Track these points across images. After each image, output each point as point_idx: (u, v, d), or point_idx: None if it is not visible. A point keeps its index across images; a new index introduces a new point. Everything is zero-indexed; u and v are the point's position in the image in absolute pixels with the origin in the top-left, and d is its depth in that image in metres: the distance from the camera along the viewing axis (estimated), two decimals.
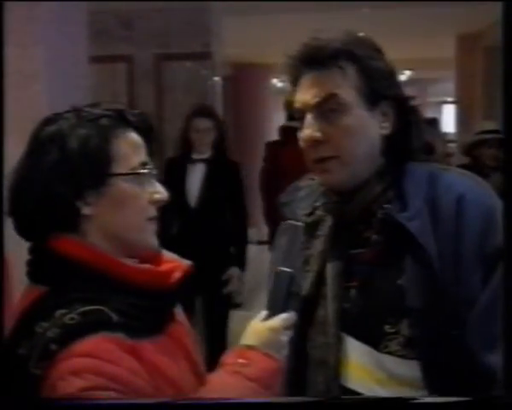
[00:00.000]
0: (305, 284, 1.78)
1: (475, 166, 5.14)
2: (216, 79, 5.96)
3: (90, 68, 3.56)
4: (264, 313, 1.68)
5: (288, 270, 1.70)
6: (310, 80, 1.70)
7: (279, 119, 17.08)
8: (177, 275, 1.62)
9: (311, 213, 1.82)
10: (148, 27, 5.74)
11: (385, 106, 1.70)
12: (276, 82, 14.67)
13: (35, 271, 1.56)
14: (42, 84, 3.12)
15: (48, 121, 1.58)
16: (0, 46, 1.60)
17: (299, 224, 1.84)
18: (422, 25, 8.10)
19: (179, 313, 1.71)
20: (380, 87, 1.68)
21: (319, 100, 1.68)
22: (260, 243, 11.11)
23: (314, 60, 1.68)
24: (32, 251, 1.58)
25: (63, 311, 1.43)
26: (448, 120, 13.63)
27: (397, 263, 1.65)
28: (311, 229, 1.81)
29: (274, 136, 14.72)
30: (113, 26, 5.73)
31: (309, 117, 1.69)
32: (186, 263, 1.68)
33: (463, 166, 4.96)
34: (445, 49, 9.46)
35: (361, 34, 1.74)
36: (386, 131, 1.70)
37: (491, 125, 5.50)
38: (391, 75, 1.72)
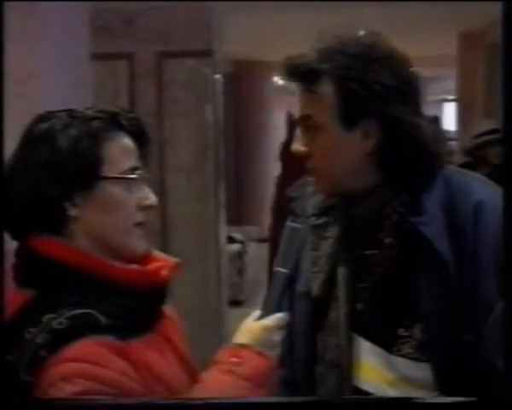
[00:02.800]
0: (315, 286, 1.78)
1: (479, 164, 5.15)
2: (217, 76, 5.96)
3: (92, 65, 3.57)
4: (257, 312, 1.69)
5: (283, 270, 1.71)
6: (298, 94, 1.73)
7: (280, 117, 17.04)
8: (164, 273, 1.62)
9: (320, 215, 1.82)
10: (150, 25, 5.74)
11: (367, 123, 1.65)
12: (277, 80, 14.66)
13: (21, 275, 1.55)
14: (44, 81, 3.12)
15: (41, 119, 1.58)
16: (0, 46, 1.60)
17: (298, 226, 1.84)
18: (424, 22, 8.10)
19: (168, 309, 1.72)
20: (359, 108, 1.64)
21: (298, 118, 1.73)
22: (261, 240, 11.13)
23: (294, 77, 1.70)
24: (17, 255, 1.57)
25: (51, 315, 1.43)
26: (449, 117, 13.63)
27: (411, 266, 1.65)
28: (320, 230, 1.81)
29: (274, 134, 14.69)
30: (114, 23, 5.73)
31: (297, 130, 1.74)
32: (173, 260, 1.69)
33: (466, 165, 4.97)
34: (446, 46, 9.46)
35: (366, 41, 1.69)
36: (367, 149, 1.67)
37: (490, 123, 5.51)
38: (379, 92, 1.64)
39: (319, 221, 1.83)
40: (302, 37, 1.70)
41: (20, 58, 3.00)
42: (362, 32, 1.73)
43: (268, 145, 13.27)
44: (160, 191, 5.45)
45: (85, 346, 1.41)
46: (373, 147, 1.67)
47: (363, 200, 1.71)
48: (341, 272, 1.74)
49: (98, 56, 4.08)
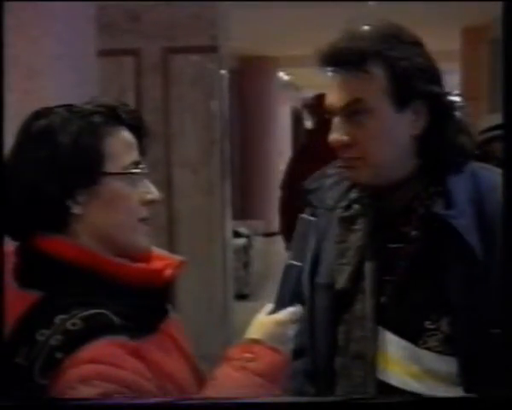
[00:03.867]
0: (341, 278, 1.77)
1: (486, 158, 5.15)
2: (222, 72, 5.97)
3: (98, 61, 3.58)
4: (269, 306, 1.67)
5: (297, 264, 1.70)
6: (338, 81, 1.68)
7: (285, 112, 17.05)
8: (169, 272, 1.61)
9: (348, 207, 1.81)
10: (156, 21, 5.75)
11: (417, 105, 1.67)
12: (283, 75, 14.66)
13: (27, 275, 1.52)
14: (51, 77, 3.14)
15: (38, 115, 1.55)
16: (0, 46, 1.60)
17: (312, 219, 1.82)
18: (428, 17, 8.10)
19: (170, 309, 1.71)
20: (411, 87, 1.65)
21: (345, 104, 1.67)
22: (266, 235, 11.15)
23: (341, 62, 1.66)
24: (21, 255, 1.54)
25: (63, 316, 1.41)
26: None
27: (438, 260, 1.65)
28: (348, 222, 1.80)
29: (280, 129, 14.70)
30: (120, 19, 5.74)
31: (336, 120, 1.69)
32: (178, 259, 1.67)
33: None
34: (450, 41, 9.45)
35: (396, 27, 1.70)
36: (416, 131, 1.68)
37: (498, 118, 5.49)
38: (425, 71, 1.67)
39: (347, 213, 1.81)
40: (307, 32, 1.71)
41: (28, 55, 3.02)
42: (395, 27, 1.72)
43: (273, 140, 13.29)
44: (167, 186, 5.47)
45: (101, 347, 1.39)
46: (422, 129, 1.68)
47: (394, 193, 1.71)
48: (368, 265, 1.74)
49: (104, 53, 4.09)
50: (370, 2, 7.00)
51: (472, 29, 9.14)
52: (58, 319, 1.41)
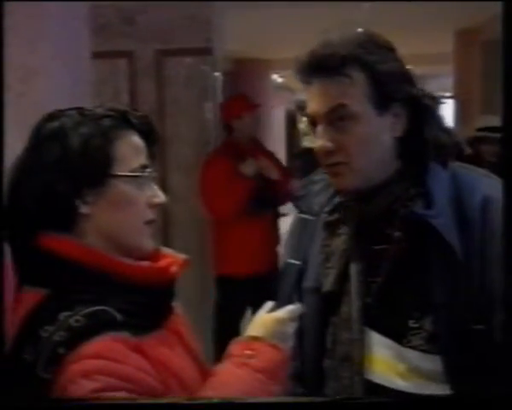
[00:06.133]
0: (327, 281, 1.79)
1: (473, 160, 5.16)
2: (216, 74, 5.98)
3: (92, 63, 3.58)
4: (269, 303, 1.71)
5: (295, 262, 1.71)
6: (319, 89, 1.70)
7: (279, 114, 17.05)
8: (173, 270, 1.64)
9: (332, 211, 1.83)
10: (150, 23, 5.76)
11: (396, 107, 1.69)
12: (277, 77, 14.67)
13: (33, 274, 1.56)
14: (46, 79, 3.14)
15: (50, 118, 1.59)
16: (0, 46, 1.61)
17: (310, 218, 1.86)
18: (420, 20, 8.12)
19: (176, 305, 1.74)
20: (390, 91, 1.68)
21: (327, 110, 1.68)
22: None
23: (322, 68, 1.68)
24: (27, 254, 1.57)
25: (67, 313, 1.44)
26: (446, 115, 13.64)
27: (420, 259, 1.67)
28: (332, 227, 1.82)
29: (274, 131, 14.65)
30: (114, 21, 5.74)
31: (320, 127, 1.70)
32: (182, 257, 1.71)
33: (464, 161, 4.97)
34: (443, 44, 9.47)
35: (371, 33, 1.73)
36: (398, 133, 1.71)
37: (493, 120, 5.49)
38: (402, 75, 1.71)
39: (331, 218, 1.83)
40: (301, 34, 1.72)
41: (22, 57, 3.02)
42: (371, 33, 1.74)
43: (267, 142, 13.29)
44: (162, 189, 5.45)
45: (104, 343, 1.42)
46: (402, 131, 1.71)
47: (376, 196, 1.73)
48: (353, 268, 1.76)
49: (98, 55, 4.09)
50: (364, 4, 7.01)
51: (465, 31, 9.15)
52: (62, 315, 1.44)
